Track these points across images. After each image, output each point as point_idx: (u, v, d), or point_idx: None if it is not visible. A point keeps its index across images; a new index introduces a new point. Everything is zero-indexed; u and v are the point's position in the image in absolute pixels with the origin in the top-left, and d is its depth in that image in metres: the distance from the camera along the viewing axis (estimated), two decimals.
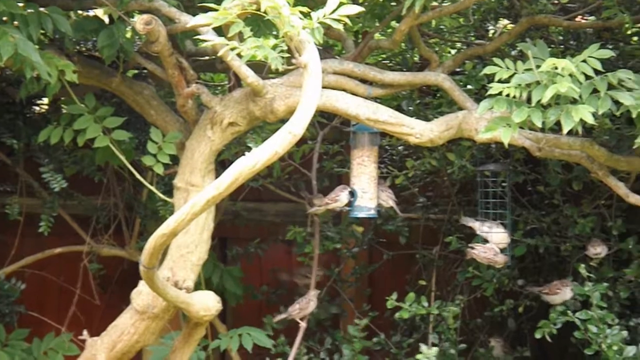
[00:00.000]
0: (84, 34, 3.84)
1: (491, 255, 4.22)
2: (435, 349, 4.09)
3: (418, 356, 4.07)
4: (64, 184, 4.36)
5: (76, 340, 4.52)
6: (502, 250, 4.27)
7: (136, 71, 4.59)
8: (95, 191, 5.19)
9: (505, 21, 4.78)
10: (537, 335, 4.17)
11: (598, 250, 4.38)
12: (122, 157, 3.96)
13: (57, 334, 4.87)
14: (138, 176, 3.97)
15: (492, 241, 4.27)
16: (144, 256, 3.19)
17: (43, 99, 5.07)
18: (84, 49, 4.55)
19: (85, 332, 3.99)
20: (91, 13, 4.11)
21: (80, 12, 4.05)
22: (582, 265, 4.16)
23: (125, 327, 3.92)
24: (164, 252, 3.73)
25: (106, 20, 3.89)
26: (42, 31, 3.52)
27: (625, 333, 4.03)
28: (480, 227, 4.34)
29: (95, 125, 3.97)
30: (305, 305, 4.42)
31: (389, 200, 4.32)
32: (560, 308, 4.16)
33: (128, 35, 3.84)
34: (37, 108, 5.18)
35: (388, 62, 5.12)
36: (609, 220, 4.54)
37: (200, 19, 3.07)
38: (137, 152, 4.35)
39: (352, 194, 4.22)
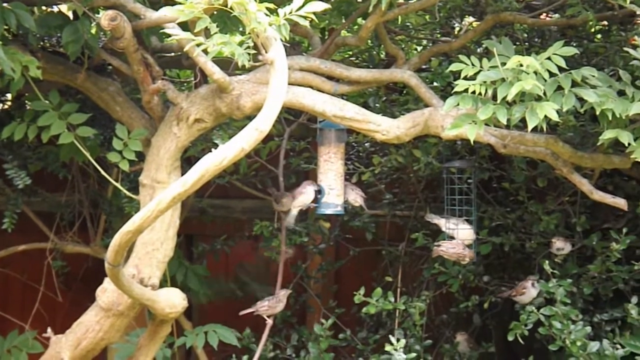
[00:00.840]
0: (48, 30, 3.81)
1: (460, 250, 4.22)
2: (402, 341, 4.09)
3: (387, 347, 4.08)
4: (28, 180, 4.30)
5: (40, 338, 4.48)
6: (468, 247, 4.29)
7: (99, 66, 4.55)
8: (59, 188, 5.15)
9: (471, 18, 4.81)
10: (510, 338, 4.18)
11: (561, 246, 4.42)
12: (87, 154, 3.92)
13: (20, 332, 4.82)
14: (103, 173, 3.93)
15: (458, 237, 4.29)
16: (109, 253, 3.17)
17: (7, 95, 5.02)
18: (48, 44, 4.51)
19: (49, 330, 3.96)
20: (55, 9, 4.07)
21: (44, 7, 4.02)
22: (547, 262, 4.19)
23: (90, 325, 3.89)
24: (130, 250, 3.71)
25: (71, 16, 3.85)
26: (6, 26, 3.47)
27: (588, 329, 4.06)
28: (445, 223, 4.36)
29: (59, 122, 3.94)
30: (274, 305, 4.40)
31: (357, 198, 4.32)
32: (529, 307, 4.18)
33: (93, 31, 3.80)
34: (0, 104, 5.12)
35: (354, 59, 5.13)
36: (573, 217, 4.57)
37: (166, 10, 3.05)
38: (103, 148, 4.33)
39: (319, 191, 4.23)
